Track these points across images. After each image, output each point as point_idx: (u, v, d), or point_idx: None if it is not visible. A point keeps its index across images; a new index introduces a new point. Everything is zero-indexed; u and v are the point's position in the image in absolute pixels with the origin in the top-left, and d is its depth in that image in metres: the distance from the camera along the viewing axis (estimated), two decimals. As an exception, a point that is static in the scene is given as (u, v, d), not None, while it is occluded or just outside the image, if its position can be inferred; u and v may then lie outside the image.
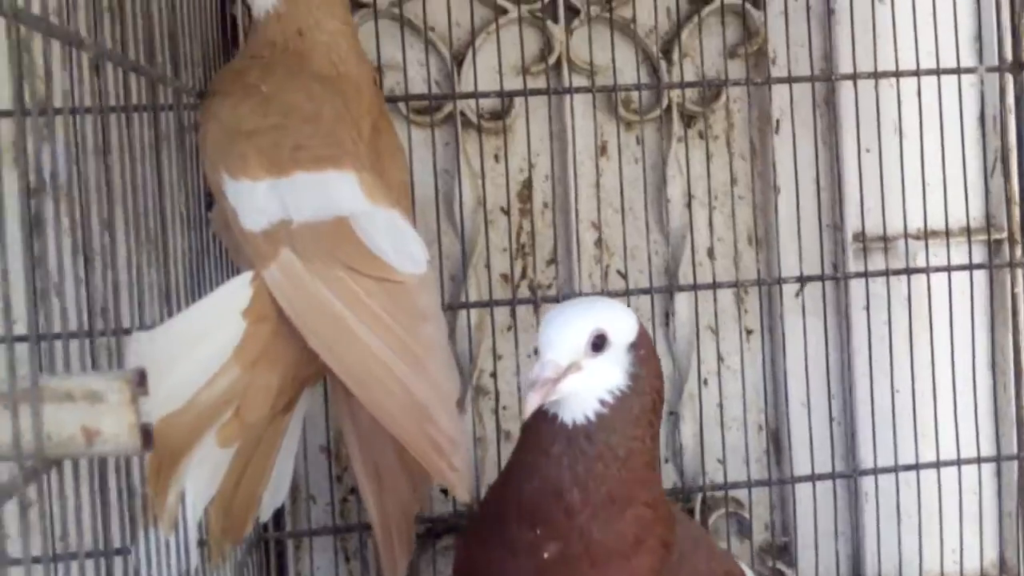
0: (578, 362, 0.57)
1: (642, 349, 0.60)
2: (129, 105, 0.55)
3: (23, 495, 0.32)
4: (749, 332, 1.02)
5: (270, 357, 0.60)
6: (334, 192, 0.62)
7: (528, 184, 0.97)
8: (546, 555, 0.57)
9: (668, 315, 0.99)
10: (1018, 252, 1.03)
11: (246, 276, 0.61)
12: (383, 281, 0.60)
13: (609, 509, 0.57)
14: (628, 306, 0.92)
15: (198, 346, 0.58)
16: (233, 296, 0.60)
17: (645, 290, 0.94)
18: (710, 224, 0.99)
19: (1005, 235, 1.03)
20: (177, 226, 0.63)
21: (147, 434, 0.36)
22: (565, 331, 0.58)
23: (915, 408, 0.97)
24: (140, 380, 0.36)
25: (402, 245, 0.62)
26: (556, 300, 0.93)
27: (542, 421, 0.59)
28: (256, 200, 0.61)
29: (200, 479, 0.59)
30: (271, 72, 0.66)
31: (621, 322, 0.60)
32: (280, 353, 0.60)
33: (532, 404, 0.56)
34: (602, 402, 0.58)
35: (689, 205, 0.98)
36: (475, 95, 0.91)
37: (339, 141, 0.64)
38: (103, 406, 0.35)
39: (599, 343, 0.58)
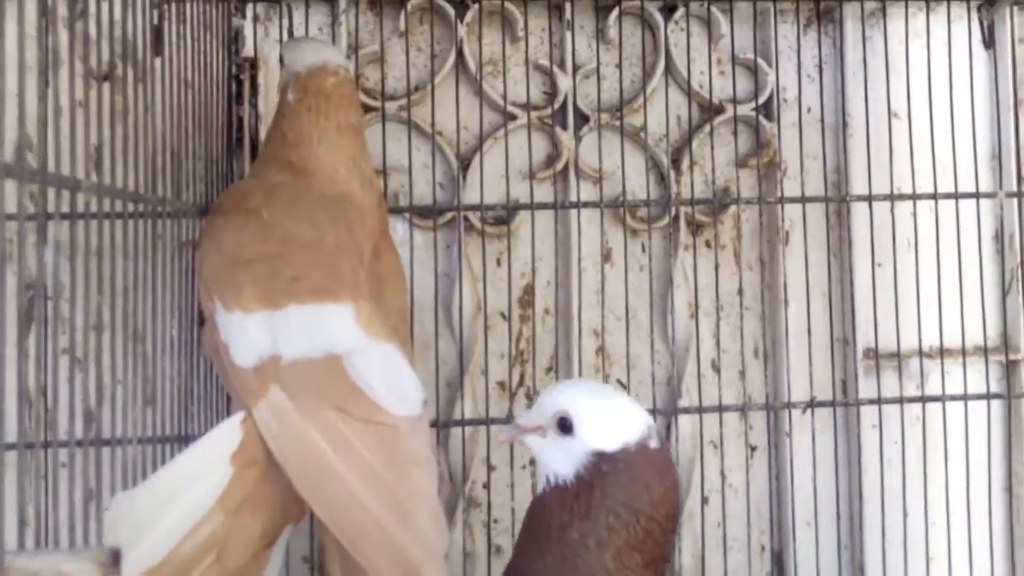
0: (545, 428, 0.58)
1: (607, 465, 0.55)
2: (126, 214, 0.53)
3: None
4: (753, 449, 0.97)
5: (255, 502, 0.56)
6: (328, 326, 0.58)
7: (530, 289, 0.93)
8: None
9: (669, 429, 0.95)
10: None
11: (236, 418, 0.57)
12: (373, 424, 0.56)
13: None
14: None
15: (182, 496, 0.54)
16: (222, 439, 0.57)
17: (648, 411, 0.89)
18: (716, 335, 0.95)
19: (1022, 356, 0.99)
20: (167, 337, 0.60)
21: None
22: (548, 396, 0.59)
23: (927, 535, 0.92)
24: (113, 560, 0.34)
25: (397, 384, 0.58)
26: None
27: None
28: (247, 334, 0.57)
29: None
30: (274, 196, 0.63)
31: (600, 425, 0.56)
32: (266, 497, 0.57)
33: (500, 437, 0.62)
34: (548, 479, 0.57)
35: (695, 316, 0.94)
36: (480, 207, 0.88)
37: (339, 271, 0.61)
38: None
39: (563, 424, 0.57)
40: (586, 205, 0.90)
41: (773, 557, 0.97)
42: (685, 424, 0.94)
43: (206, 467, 0.56)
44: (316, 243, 0.61)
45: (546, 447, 0.57)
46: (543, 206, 0.89)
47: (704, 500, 0.93)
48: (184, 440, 0.64)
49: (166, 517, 0.53)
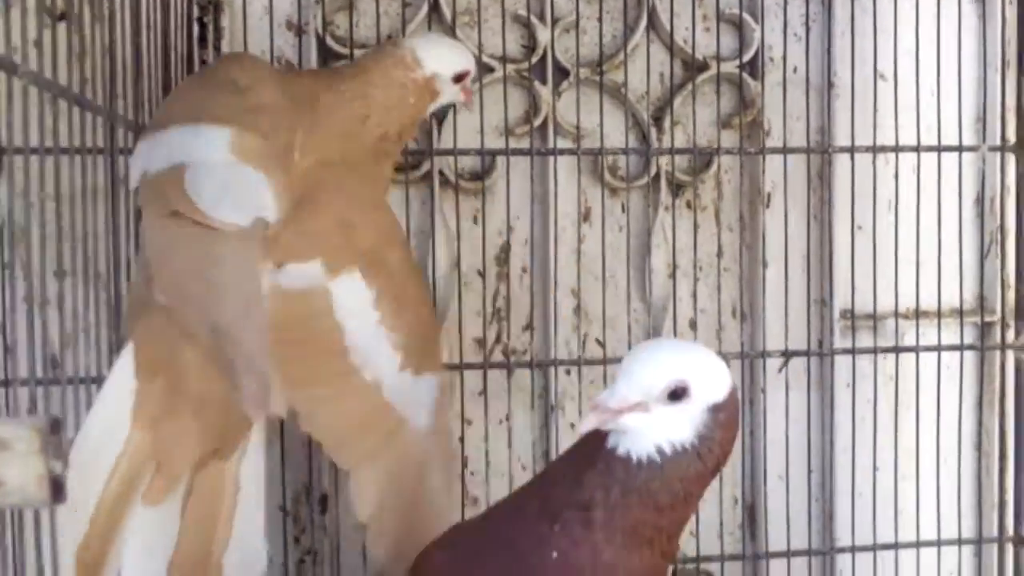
0: (647, 403, 0.54)
1: (723, 413, 0.55)
2: (84, 147, 0.52)
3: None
4: (728, 407, 0.97)
5: (172, 406, 0.57)
6: (194, 143, 0.58)
7: (506, 248, 0.92)
8: (555, 554, 0.54)
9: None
10: (1009, 335, 0.99)
11: (128, 345, 0.58)
12: (199, 226, 0.56)
13: (628, 540, 0.54)
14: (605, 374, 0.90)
15: (95, 433, 0.55)
16: (120, 363, 0.57)
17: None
18: (694, 295, 0.95)
19: (997, 318, 0.99)
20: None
21: (57, 486, 0.33)
22: (646, 369, 0.55)
23: (897, 487, 0.94)
24: (53, 428, 0.33)
25: (235, 196, 0.58)
26: (530, 367, 0.90)
27: (594, 439, 0.56)
28: (137, 155, 0.59)
29: (139, 552, 0.56)
30: (278, 81, 0.65)
31: (712, 379, 0.55)
32: (181, 399, 0.57)
33: (586, 426, 0.55)
34: (659, 450, 0.54)
35: (673, 275, 0.93)
36: (454, 152, 0.86)
37: (254, 119, 0.61)
38: (8, 454, 0.33)
39: (678, 394, 0.54)
40: (563, 152, 0.87)
41: (745, 509, 0.99)
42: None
43: (110, 389, 0.56)
44: (253, 99, 0.62)
45: (654, 421, 0.54)
46: (518, 152, 0.87)
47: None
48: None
49: (85, 474, 0.53)
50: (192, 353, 0.56)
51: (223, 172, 0.58)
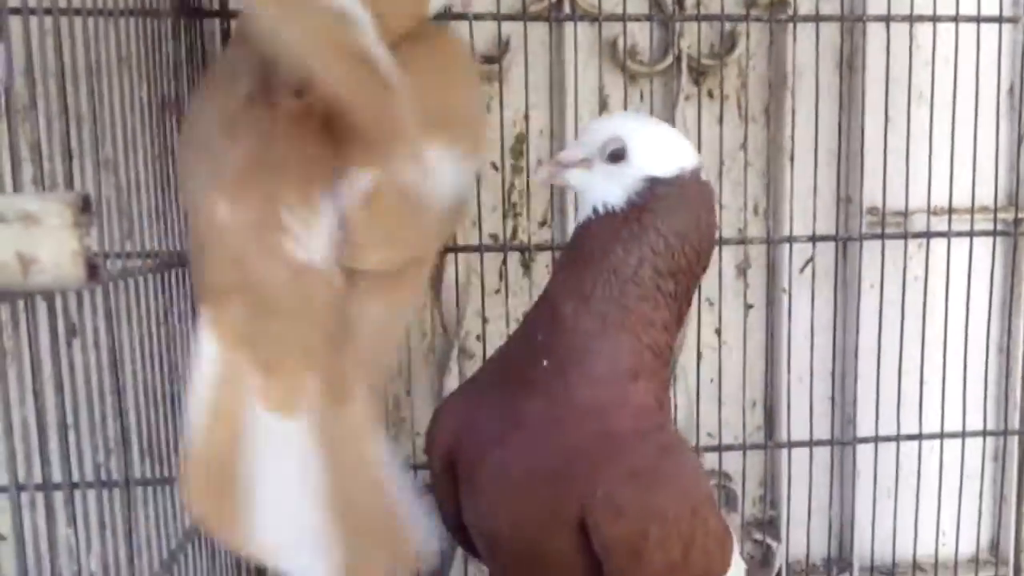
0: (591, 161, 0.55)
1: (663, 189, 0.54)
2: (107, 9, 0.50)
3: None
4: (750, 307, 0.95)
5: (255, 317, 0.48)
6: None
7: (522, 139, 0.89)
8: (545, 363, 0.54)
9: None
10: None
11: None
12: None
13: (602, 329, 0.54)
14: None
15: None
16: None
17: None
18: (718, 190, 0.92)
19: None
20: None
21: (93, 265, 0.31)
22: (594, 127, 0.57)
23: (922, 380, 0.92)
24: (84, 204, 0.31)
25: None
26: (551, 249, 0.87)
27: None
28: None
29: (276, 465, 0.47)
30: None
31: (657, 150, 0.54)
32: (263, 310, 0.49)
33: (538, 176, 0.58)
34: (595, 210, 0.55)
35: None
36: (467, 16, 0.79)
37: None
38: (40, 230, 0.31)
39: (616, 154, 0.54)
40: (583, 18, 0.84)
41: (765, 412, 0.97)
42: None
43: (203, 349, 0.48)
44: None
45: (594, 178, 0.55)
46: (536, 17, 0.83)
47: (699, 356, 0.92)
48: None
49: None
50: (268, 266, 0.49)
51: None
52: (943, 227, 0.91)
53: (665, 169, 0.54)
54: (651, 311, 0.54)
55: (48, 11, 0.45)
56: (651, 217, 0.53)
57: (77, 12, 0.48)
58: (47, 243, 0.30)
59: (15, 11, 0.46)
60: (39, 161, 0.44)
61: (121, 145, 0.56)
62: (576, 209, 0.61)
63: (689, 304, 0.58)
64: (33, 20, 0.45)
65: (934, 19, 0.85)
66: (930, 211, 0.92)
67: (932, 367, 0.91)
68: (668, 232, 0.54)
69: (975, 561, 1.00)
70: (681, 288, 0.55)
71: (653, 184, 0.54)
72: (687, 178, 0.54)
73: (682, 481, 0.55)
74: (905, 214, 0.92)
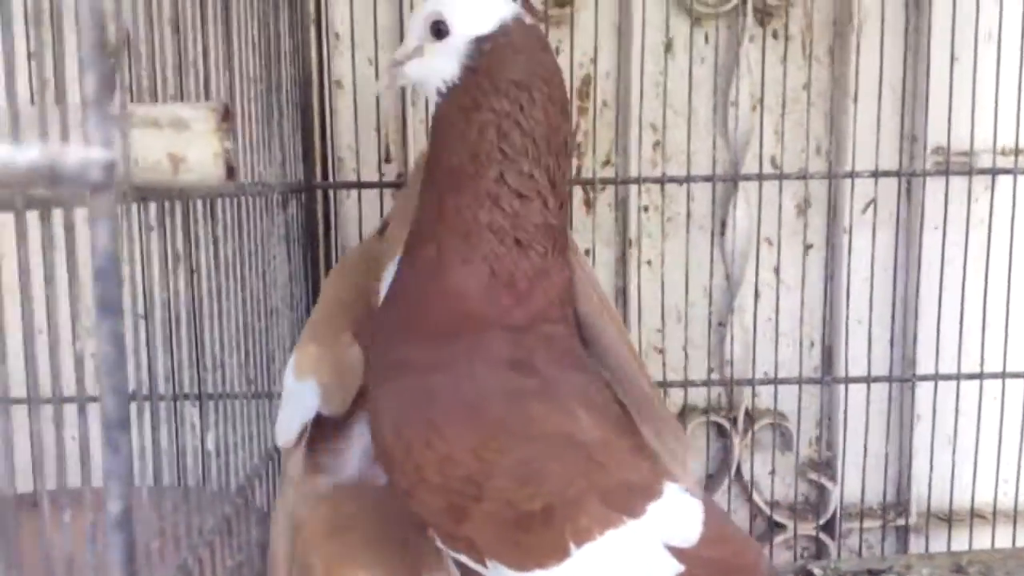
0: (421, 47, 0.55)
1: (489, 44, 0.52)
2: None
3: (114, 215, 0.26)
4: (809, 247, 0.96)
5: None
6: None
7: (589, 80, 0.92)
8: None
9: (724, 224, 0.94)
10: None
11: None
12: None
13: (435, 218, 0.52)
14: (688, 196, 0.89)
15: None
16: None
17: (707, 177, 0.89)
18: (779, 131, 0.93)
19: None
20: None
21: (230, 165, 0.35)
22: (415, 14, 0.57)
23: (984, 322, 0.91)
24: (225, 112, 0.35)
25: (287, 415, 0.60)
26: (615, 183, 0.90)
27: None
28: None
29: None
30: None
31: (476, 12, 0.53)
32: None
33: (380, 84, 0.60)
34: (439, 92, 0.53)
35: (758, 109, 0.91)
36: None
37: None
38: (189, 134, 0.35)
39: (439, 29, 0.54)
40: None
41: (824, 351, 0.98)
42: (742, 216, 0.93)
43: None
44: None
45: (428, 62, 0.54)
46: None
47: (756, 295, 0.94)
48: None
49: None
50: None
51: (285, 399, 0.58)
52: (1009, 165, 0.90)
53: (485, 25, 0.52)
54: (495, 181, 0.51)
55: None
56: (485, 76, 0.51)
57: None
58: (195, 145, 0.35)
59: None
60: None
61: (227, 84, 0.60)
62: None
63: (567, 168, 0.54)
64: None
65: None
66: (996, 150, 0.92)
67: (995, 309, 0.91)
68: (506, 85, 0.51)
69: (1035, 510, 0.99)
70: (543, 149, 0.51)
71: (479, 43, 0.52)
72: (510, 25, 0.52)
73: (472, 390, 0.49)
74: (971, 153, 0.91)
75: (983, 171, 0.90)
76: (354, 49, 0.87)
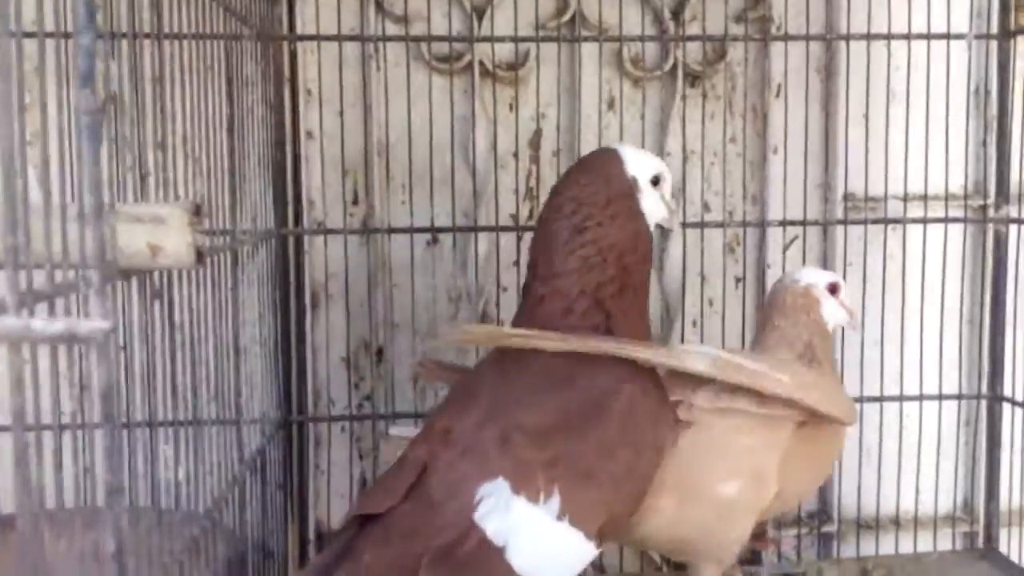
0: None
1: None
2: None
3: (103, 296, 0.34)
4: (738, 280, 1.05)
5: None
6: None
7: (539, 133, 1.00)
8: None
9: (662, 260, 1.03)
10: (1005, 211, 1.01)
11: None
12: None
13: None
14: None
15: None
16: None
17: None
18: (706, 179, 1.02)
19: (992, 201, 1.03)
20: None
21: (200, 254, 0.42)
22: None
23: (902, 351, 0.99)
24: (196, 211, 0.42)
25: None
26: None
27: None
28: None
29: None
30: None
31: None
32: None
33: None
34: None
35: (688, 161, 1.01)
36: (491, 39, 0.94)
37: None
38: (165, 227, 0.41)
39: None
40: (587, 39, 0.95)
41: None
42: (676, 253, 1.02)
43: None
44: None
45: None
46: (548, 39, 0.95)
47: (692, 323, 1.02)
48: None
49: None
50: None
51: None
52: (919, 214, 0.99)
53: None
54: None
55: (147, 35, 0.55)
56: None
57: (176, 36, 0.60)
58: (170, 237, 0.41)
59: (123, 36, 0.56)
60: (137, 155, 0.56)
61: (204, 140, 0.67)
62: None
63: None
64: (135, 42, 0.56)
65: (888, 37, 0.95)
66: (905, 198, 1.01)
67: (911, 337, 1.00)
68: None
69: (951, 519, 1.07)
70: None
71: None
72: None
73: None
74: (884, 199, 1.01)
75: (892, 220, 0.99)
76: (322, 104, 0.96)
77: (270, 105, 0.87)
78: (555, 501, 0.57)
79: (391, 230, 0.96)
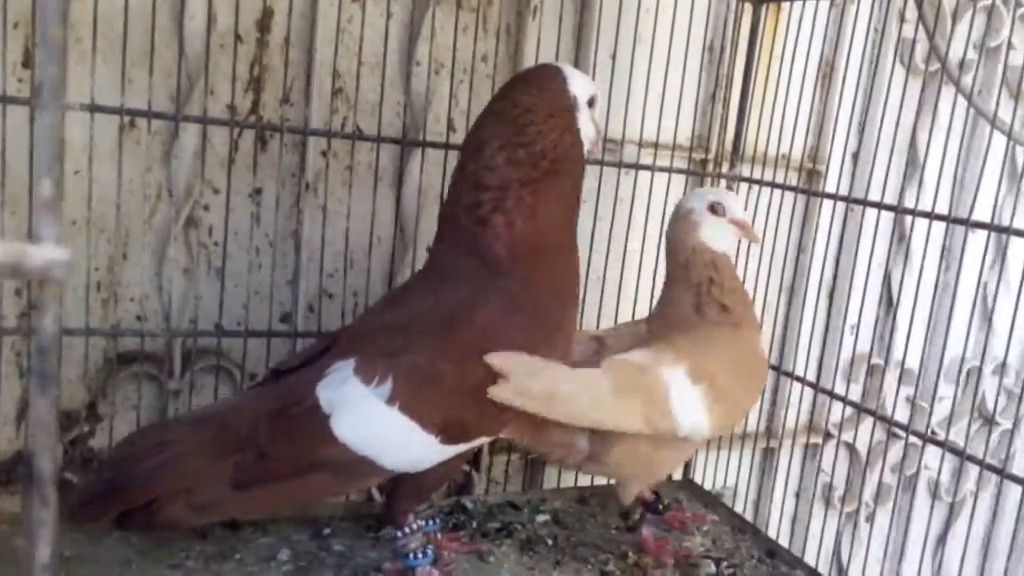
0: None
1: None
2: None
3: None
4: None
5: None
6: None
7: (268, 13, 0.85)
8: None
9: (403, 177, 0.95)
10: (724, 167, 1.08)
11: None
12: None
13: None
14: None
15: None
16: None
17: (396, 139, 0.88)
18: (453, 95, 0.94)
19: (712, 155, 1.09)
20: None
21: None
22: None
23: (620, 290, 1.01)
24: None
25: None
26: (280, 131, 0.84)
27: None
28: None
29: None
30: None
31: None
32: None
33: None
34: None
35: (437, 72, 0.92)
36: None
37: None
38: None
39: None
40: None
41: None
42: (415, 169, 0.94)
43: None
44: None
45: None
46: None
47: (427, 249, 0.95)
48: None
49: None
50: None
51: None
52: (647, 159, 1.01)
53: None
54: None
55: None
56: None
57: None
58: None
59: None
60: None
61: None
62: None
63: None
64: None
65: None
66: (641, 143, 1.02)
67: (629, 278, 1.02)
68: None
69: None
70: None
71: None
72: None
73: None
74: (622, 143, 1.01)
75: (628, 165, 0.99)
76: None
77: None
78: (387, 386, 0.63)
79: (68, 107, 0.76)
